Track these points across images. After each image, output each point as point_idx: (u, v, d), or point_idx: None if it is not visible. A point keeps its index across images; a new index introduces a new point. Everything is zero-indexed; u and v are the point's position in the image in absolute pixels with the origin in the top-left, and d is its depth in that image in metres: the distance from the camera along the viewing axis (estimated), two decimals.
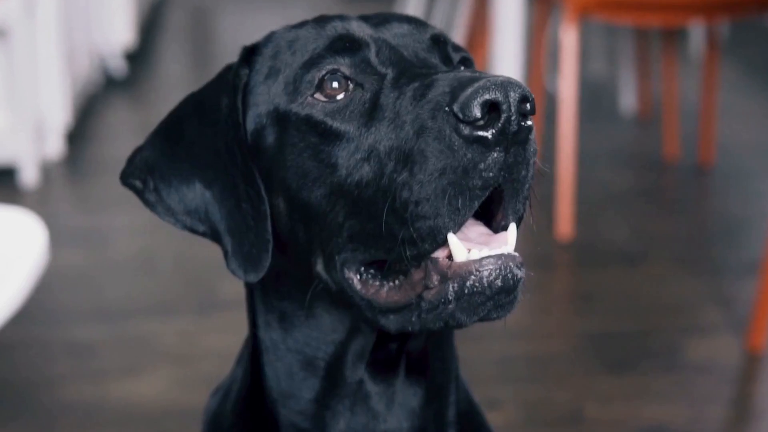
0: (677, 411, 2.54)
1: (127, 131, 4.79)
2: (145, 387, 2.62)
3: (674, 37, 4.46)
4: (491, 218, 1.12)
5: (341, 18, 1.23)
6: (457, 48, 1.26)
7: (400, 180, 1.07)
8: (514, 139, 1.05)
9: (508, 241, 1.10)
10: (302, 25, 1.24)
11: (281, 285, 1.24)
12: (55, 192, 4.08)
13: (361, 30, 1.20)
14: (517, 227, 1.13)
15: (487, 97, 1.03)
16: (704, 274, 3.29)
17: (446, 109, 1.05)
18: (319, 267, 1.17)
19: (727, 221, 3.82)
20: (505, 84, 1.04)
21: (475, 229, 1.11)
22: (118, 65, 5.56)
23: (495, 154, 1.05)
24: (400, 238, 1.07)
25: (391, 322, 1.12)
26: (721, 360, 2.77)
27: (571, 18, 3.55)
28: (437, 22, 5.22)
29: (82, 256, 3.41)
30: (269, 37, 1.26)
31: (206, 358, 2.74)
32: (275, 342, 1.24)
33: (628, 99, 5.00)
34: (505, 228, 1.11)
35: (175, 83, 5.67)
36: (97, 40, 5.27)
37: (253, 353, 1.28)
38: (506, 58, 4.06)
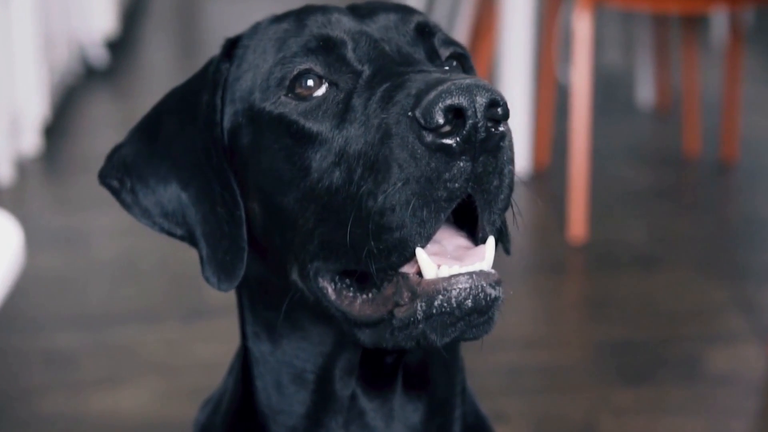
0: (697, 425, 2.54)
1: (108, 125, 4.80)
2: (128, 399, 2.63)
3: (695, 24, 4.47)
4: (476, 227, 1.11)
5: (323, 11, 1.24)
6: (449, 41, 1.25)
7: (366, 188, 1.08)
8: (483, 147, 1.04)
9: (485, 255, 1.09)
10: (285, 17, 1.26)
11: (265, 294, 1.25)
12: (31, 190, 4.08)
13: (340, 25, 1.21)
14: (500, 240, 1.12)
15: (449, 101, 1.02)
16: (726, 279, 3.30)
17: (409, 114, 1.05)
18: (295, 275, 1.18)
19: (752, 222, 3.83)
20: (471, 87, 1.03)
21: (454, 240, 1.11)
22: (98, 54, 5.56)
23: (461, 164, 1.04)
24: (366, 249, 1.07)
25: (366, 337, 1.13)
26: (744, 370, 2.77)
27: (584, 4, 3.55)
28: (441, 8, 5.22)
29: (60, 259, 3.42)
30: (253, 30, 1.28)
31: (193, 368, 2.74)
32: (264, 354, 1.26)
33: (645, 91, 5.00)
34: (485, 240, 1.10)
35: (159, 73, 5.68)
36: (76, 28, 5.27)
37: (244, 365, 1.29)
38: (515, 47, 4.07)
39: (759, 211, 3.90)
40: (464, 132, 1.03)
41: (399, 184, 1.05)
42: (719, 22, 5.85)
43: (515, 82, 4.09)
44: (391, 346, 1.11)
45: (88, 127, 4.76)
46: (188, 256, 3.43)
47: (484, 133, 1.04)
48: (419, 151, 1.04)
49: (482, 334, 1.09)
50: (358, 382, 1.22)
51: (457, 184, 1.04)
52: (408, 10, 1.26)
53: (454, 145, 1.03)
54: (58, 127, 4.62)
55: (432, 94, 1.03)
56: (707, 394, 2.67)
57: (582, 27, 3.56)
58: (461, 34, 4.76)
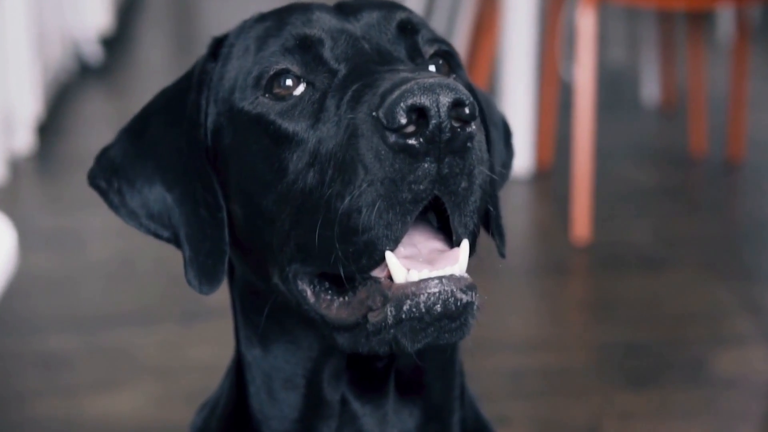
0: (703, 429, 2.54)
1: (102, 123, 4.80)
2: (123, 402, 2.63)
3: (701, 21, 4.47)
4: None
5: (305, 9, 1.24)
6: (433, 39, 1.25)
7: (335, 190, 1.08)
8: (448, 148, 1.04)
9: (458, 259, 1.09)
10: (269, 16, 1.27)
11: (253, 297, 1.27)
12: (24, 190, 4.08)
13: (320, 23, 1.21)
14: (474, 243, 1.12)
15: (411, 101, 1.02)
16: (733, 280, 3.30)
17: (374, 114, 1.05)
18: (276, 278, 1.19)
19: (759, 222, 3.83)
20: (435, 86, 1.02)
21: (429, 244, 1.11)
22: (93, 51, 5.56)
23: (425, 165, 1.04)
24: (336, 252, 1.08)
25: (343, 340, 1.14)
26: (751, 373, 2.77)
27: (588, 0, 3.55)
28: (442, 5, 5.22)
29: (54, 259, 3.42)
30: (239, 28, 1.29)
31: (190, 371, 2.74)
32: (256, 358, 1.27)
33: (650, 89, 5.00)
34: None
35: (155, 71, 5.68)
36: (70, 24, 5.27)
37: (238, 369, 1.30)
38: (517, 44, 4.07)
39: (766, 211, 3.91)
40: (427, 132, 1.03)
41: (364, 186, 1.05)
42: (725, 18, 5.86)
43: (518, 80, 4.09)
44: (366, 351, 1.11)
45: (83, 125, 4.76)
46: None
47: (449, 133, 1.03)
48: (383, 151, 1.04)
49: (456, 339, 1.09)
50: (348, 387, 1.23)
51: (421, 186, 1.05)
52: (392, 7, 1.26)
53: (418, 145, 1.03)
54: (52, 125, 4.62)
55: (395, 94, 1.03)
56: (714, 397, 2.67)
57: (586, 23, 3.56)
58: (462, 31, 4.76)
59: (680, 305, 3.15)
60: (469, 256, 1.10)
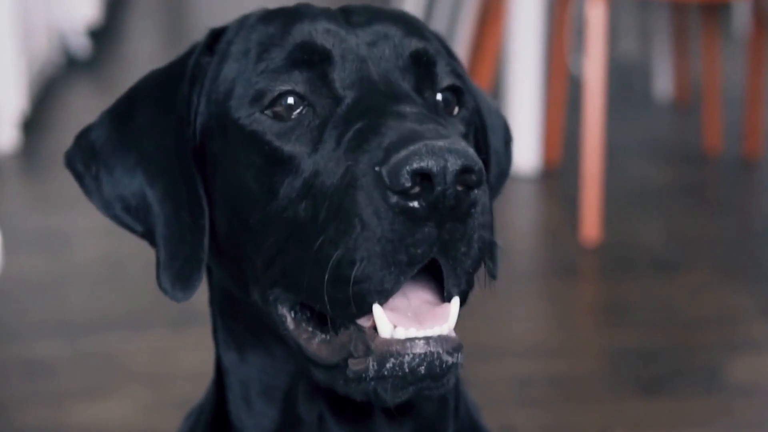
0: None
1: (90, 119, 4.77)
2: (111, 411, 2.63)
3: (716, 12, 4.47)
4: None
5: (312, 17, 1.23)
6: (452, 72, 1.24)
7: (328, 235, 1.08)
8: (451, 215, 1.05)
9: (447, 317, 1.10)
10: (274, 17, 1.25)
11: (231, 305, 1.27)
12: (8, 188, 4.08)
13: (328, 37, 1.20)
14: (466, 298, 1.12)
15: (417, 165, 1.02)
16: (750, 283, 3.30)
17: (377, 169, 1.05)
18: (255, 295, 1.20)
19: None
20: (443, 151, 1.02)
21: (419, 293, 1.12)
22: (80, 44, 5.57)
23: (426, 229, 1.04)
24: (323, 295, 1.08)
25: (320, 376, 1.15)
26: (767, 381, 2.78)
27: None
28: None
29: (39, 261, 3.42)
30: (239, 24, 1.28)
31: (181, 378, 2.74)
32: (233, 364, 1.28)
33: (663, 83, 5.00)
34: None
35: (144, 64, 5.67)
36: (56, 16, 5.27)
37: (218, 373, 1.31)
38: (524, 36, 4.07)
39: None
40: (431, 197, 1.03)
41: (360, 240, 1.06)
42: (742, 9, 5.86)
43: (524, 74, 4.10)
44: (343, 393, 1.13)
45: (69, 121, 4.77)
46: None
47: (453, 200, 1.04)
48: (383, 210, 1.05)
49: (436, 394, 1.11)
50: (326, 406, 1.23)
51: (419, 250, 1.05)
52: (411, 28, 1.25)
53: (420, 209, 1.04)
54: (37, 121, 4.62)
55: (401, 154, 1.03)
56: (729, 405, 2.67)
57: (596, 15, 3.56)
58: (466, 22, 4.76)
59: (694, 309, 3.15)
60: (460, 307, 1.12)
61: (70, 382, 2.75)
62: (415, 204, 1.04)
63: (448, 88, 1.23)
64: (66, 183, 4.24)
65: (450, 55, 1.30)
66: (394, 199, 1.04)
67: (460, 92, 1.25)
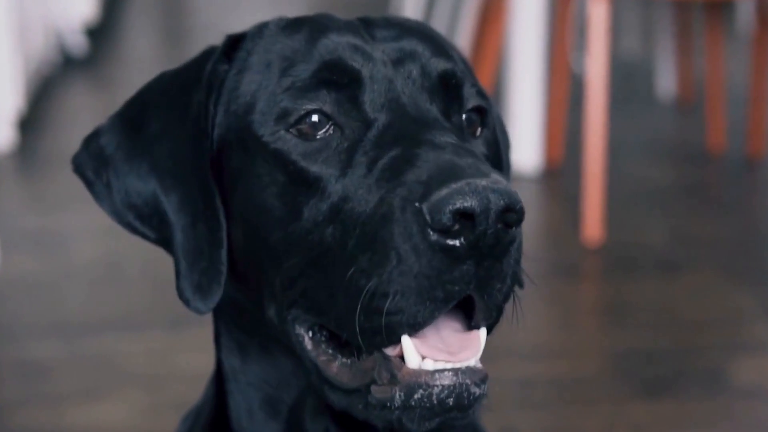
0: None
1: (87, 118, 4.80)
2: (108, 413, 2.63)
3: (719, 10, 4.47)
4: (473, 306, 1.11)
5: (338, 31, 1.22)
6: (478, 93, 1.24)
7: (360, 265, 1.08)
8: (490, 253, 1.05)
9: (477, 349, 1.11)
10: (296, 28, 1.24)
11: (239, 317, 1.26)
12: (4, 188, 4.08)
13: (356, 56, 1.19)
14: (494, 326, 1.13)
15: (461, 205, 1.02)
16: (754, 284, 3.30)
17: (416, 204, 1.05)
18: (272, 312, 1.19)
19: None
20: (487, 191, 1.02)
21: (447, 322, 1.12)
22: (77, 42, 5.57)
23: (464, 267, 1.05)
24: (351, 323, 1.08)
25: (336, 399, 1.15)
26: None
27: None
28: None
29: (35, 262, 3.42)
30: (257, 32, 1.26)
31: (177, 380, 2.74)
32: (235, 371, 1.27)
33: (666, 82, 5.00)
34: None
35: (142, 62, 5.68)
36: (53, 13, 5.27)
37: (218, 377, 1.31)
38: (526, 34, 4.07)
39: None
40: (472, 237, 1.03)
41: (396, 274, 1.05)
42: (745, 7, 5.85)
43: (526, 72, 4.09)
44: (361, 418, 1.13)
45: (66, 120, 4.77)
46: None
47: (493, 239, 1.04)
48: (421, 246, 1.04)
49: (461, 423, 1.13)
50: (331, 421, 1.23)
51: (457, 287, 1.06)
52: (438, 47, 1.24)
53: (460, 248, 1.04)
54: (34, 120, 4.62)
55: (443, 192, 1.03)
56: (732, 407, 2.67)
57: (598, 12, 3.56)
58: (467, 20, 4.76)
59: (697, 310, 3.15)
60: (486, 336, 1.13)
61: (66, 384, 2.75)
62: (456, 243, 1.04)
63: (472, 108, 1.23)
64: (63, 183, 4.26)
65: (469, 70, 1.29)
66: (434, 236, 1.04)
67: (485, 113, 1.25)
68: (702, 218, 3.86)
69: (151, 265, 3.33)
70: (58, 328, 3.02)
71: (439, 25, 5.00)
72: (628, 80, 5.22)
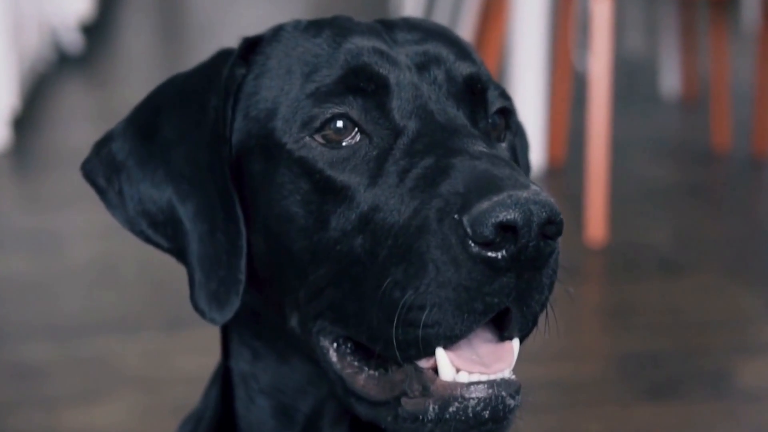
0: None
1: (83, 116, 4.80)
2: (104, 416, 2.63)
3: (724, 6, 4.47)
4: (505, 316, 1.11)
5: (361, 34, 1.21)
6: (501, 95, 1.23)
7: (395, 277, 1.08)
8: (531, 265, 1.06)
9: (511, 361, 1.12)
10: (317, 31, 1.22)
11: (256, 324, 1.25)
12: None
13: (382, 62, 1.18)
14: (526, 336, 1.15)
15: (504, 218, 1.02)
16: (759, 285, 3.30)
17: (455, 217, 1.05)
18: (294, 322, 1.19)
19: None
20: (529, 203, 1.03)
21: (480, 334, 1.12)
22: (72, 39, 5.57)
23: (504, 279, 1.05)
24: (384, 335, 1.08)
25: (363, 410, 1.14)
26: None
27: None
28: None
29: (30, 263, 3.42)
30: (275, 35, 1.25)
31: (175, 382, 2.74)
32: (245, 377, 1.26)
33: (670, 79, 5.00)
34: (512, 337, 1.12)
35: (138, 60, 5.68)
36: (48, 11, 5.27)
37: (225, 384, 1.29)
38: (528, 31, 4.07)
39: None
40: (514, 249, 1.04)
41: (433, 286, 1.05)
42: (750, 4, 5.86)
43: (528, 70, 4.09)
44: (390, 429, 1.13)
45: (61, 118, 4.77)
46: (171, 260, 3.42)
47: (534, 251, 1.04)
48: (461, 258, 1.04)
49: None
50: (348, 429, 1.23)
51: (496, 299, 1.06)
52: (462, 51, 1.24)
53: (501, 260, 1.04)
54: (29, 118, 4.62)
55: (485, 205, 1.03)
56: (737, 410, 2.67)
57: (601, 10, 3.56)
58: (468, 17, 4.76)
59: (702, 312, 3.15)
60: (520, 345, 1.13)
61: (61, 386, 2.75)
62: (498, 255, 1.04)
63: (498, 110, 1.23)
64: (58, 182, 4.26)
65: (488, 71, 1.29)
66: (475, 248, 1.04)
67: (509, 114, 1.25)
68: (706, 218, 3.86)
69: (147, 266, 3.34)
70: (53, 329, 3.02)
71: (440, 21, 4.99)
72: (632, 78, 5.23)
